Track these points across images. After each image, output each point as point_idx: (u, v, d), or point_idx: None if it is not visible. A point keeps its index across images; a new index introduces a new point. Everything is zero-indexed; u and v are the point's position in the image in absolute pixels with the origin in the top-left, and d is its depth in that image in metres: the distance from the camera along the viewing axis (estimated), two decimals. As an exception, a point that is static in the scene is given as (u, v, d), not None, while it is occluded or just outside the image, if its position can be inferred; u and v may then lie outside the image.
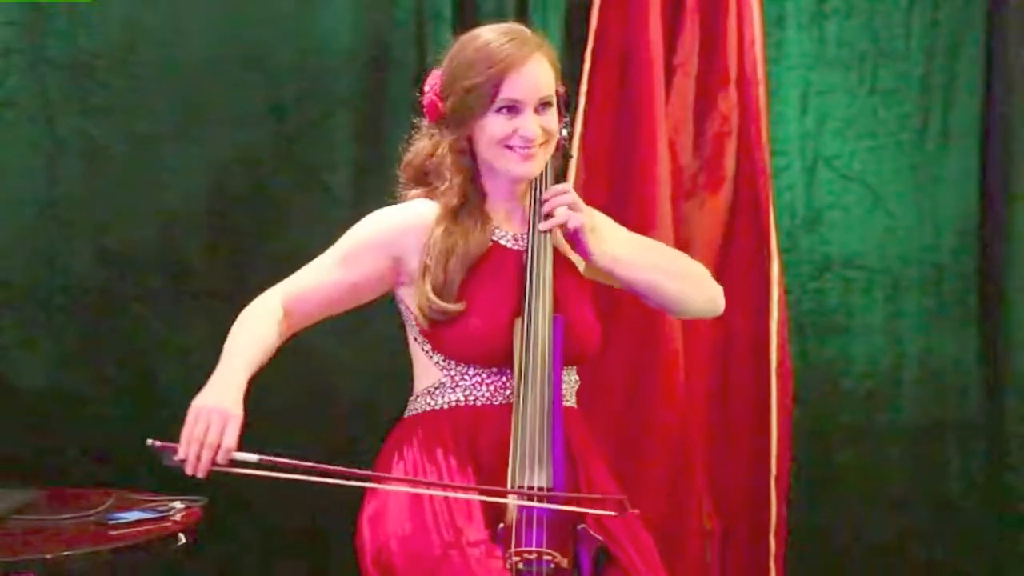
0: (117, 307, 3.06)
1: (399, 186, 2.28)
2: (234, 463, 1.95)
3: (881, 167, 3.34)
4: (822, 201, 3.34)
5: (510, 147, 2.16)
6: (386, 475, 2.13)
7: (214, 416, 1.95)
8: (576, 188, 3.08)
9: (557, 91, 2.27)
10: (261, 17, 3.09)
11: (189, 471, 1.95)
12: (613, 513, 2.03)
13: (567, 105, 2.37)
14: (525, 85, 2.14)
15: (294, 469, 1.97)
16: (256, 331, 2.12)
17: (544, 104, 2.17)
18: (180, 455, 1.94)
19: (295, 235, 3.10)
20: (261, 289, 3.04)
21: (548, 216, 2.20)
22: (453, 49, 2.21)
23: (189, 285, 3.10)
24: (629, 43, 3.14)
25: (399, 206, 2.24)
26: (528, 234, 2.21)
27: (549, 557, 2.00)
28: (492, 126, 2.16)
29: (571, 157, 2.42)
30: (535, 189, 2.23)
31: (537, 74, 2.15)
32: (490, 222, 2.21)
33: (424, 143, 2.25)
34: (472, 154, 2.21)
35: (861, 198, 3.34)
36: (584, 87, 3.14)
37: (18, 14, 2.99)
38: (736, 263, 3.20)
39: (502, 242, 2.22)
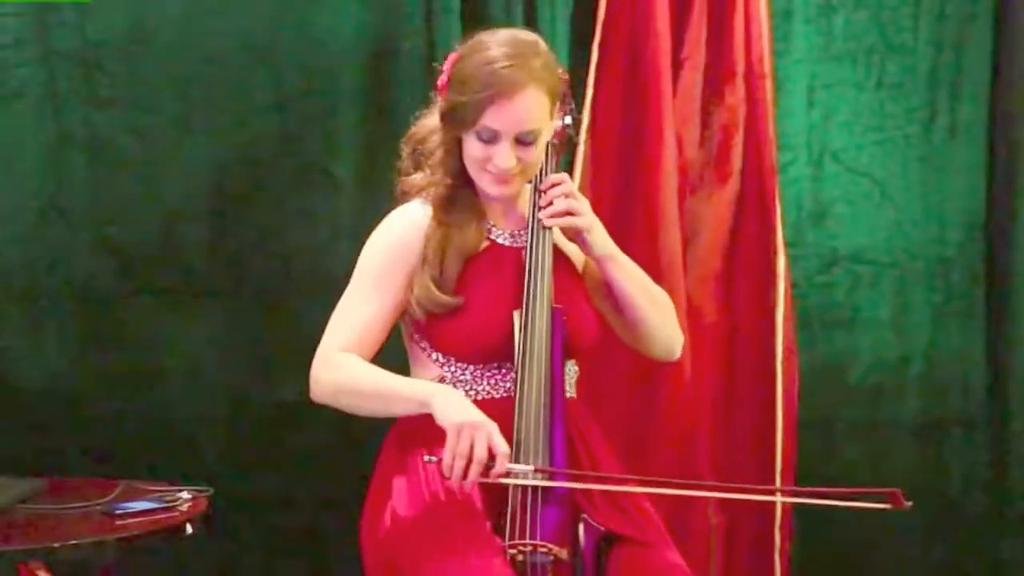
0: (120, 302, 3.06)
1: (400, 160, 2.28)
2: (509, 474, 2.00)
3: (888, 161, 3.34)
4: (829, 195, 3.33)
5: (485, 169, 2.16)
6: (657, 479, 2.13)
7: (478, 432, 1.99)
8: (584, 181, 3.11)
9: (561, 77, 2.26)
10: (267, 10, 3.08)
11: (455, 485, 2.01)
12: (888, 507, 1.98)
13: (571, 91, 2.38)
14: (506, 118, 2.12)
15: (567, 479, 2.05)
16: (375, 368, 2.14)
17: (525, 138, 2.14)
18: (445, 472, 1.99)
19: (300, 229, 3.11)
20: (264, 284, 3.10)
21: (548, 206, 2.20)
22: (464, 48, 2.19)
23: (192, 280, 3.10)
24: (636, 36, 3.13)
25: (398, 218, 2.22)
26: (528, 226, 2.22)
27: (545, 549, 2.02)
28: (471, 147, 2.16)
29: (576, 144, 2.41)
30: (535, 180, 2.24)
31: (523, 108, 2.12)
32: (484, 218, 2.22)
33: (430, 120, 2.25)
34: (459, 156, 2.21)
35: (868, 192, 3.34)
36: (591, 80, 3.14)
37: (27, 6, 2.99)
38: (742, 257, 3.20)
39: (499, 240, 2.23)
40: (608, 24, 3.15)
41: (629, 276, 2.26)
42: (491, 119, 2.12)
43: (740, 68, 3.16)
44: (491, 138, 2.13)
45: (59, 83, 3.01)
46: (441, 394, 2.05)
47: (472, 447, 1.97)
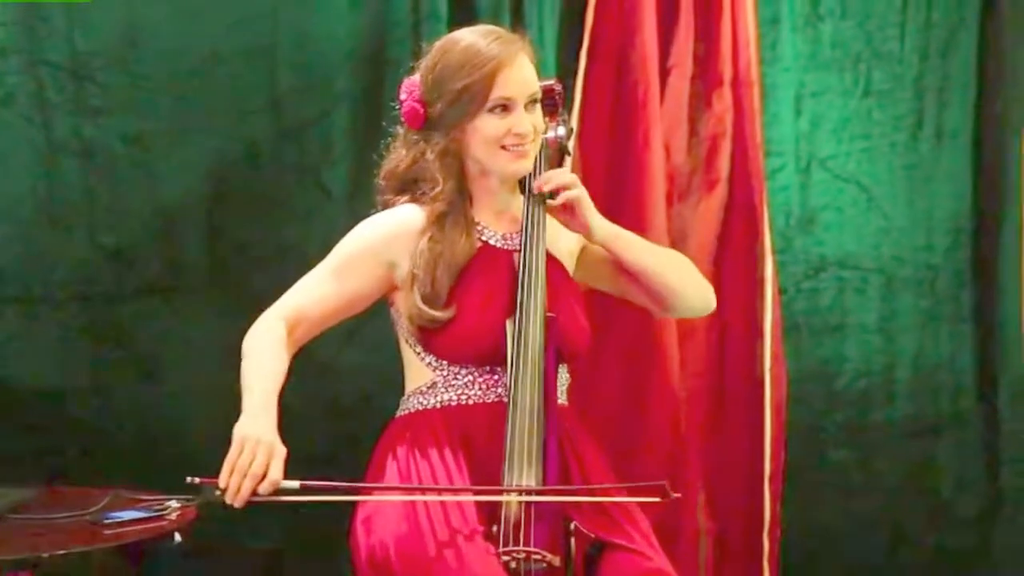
0: (114, 305, 3.07)
1: (380, 196, 2.28)
2: (277, 491, 1.95)
3: (875, 168, 3.36)
4: (816, 202, 3.35)
5: (503, 146, 2.17)
6: (436, 487, 2.09)
7: (260, 447, 1.95)
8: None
9: (554, 87, 2.33)
10: (259, 15, 3.09)
11: (228, 500, 1.95)
12: (656, 499, 2.01)
13: (564, 101, 2.40)
14: (517, 83, 2.16)
15: (335, 491, 2.01)
16: (271, 362, 2.12)
17: (532, 102, 2.19)
18: (222, 484, 1.94)
19: (292, 232, 3.12)
20: (258, 286, 3.10)
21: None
22: (434, 54, 2.22)
23: (187, 283, 3.10)
24: (624, 43, 3.15)
25: (387, 213, 2.25)
26: (521, 232, 2.22)
27: (539, 556, 2.02)
28: (486, 127, 2.17)
29: (569, 154, 2.42)
30: (528, 186, 2.25)
31: (525, 72, 2.18)
32: (475, 227, 2.22)
33: (405, 151, 2.25)
34: (460, 156, 2.22)
35: (855, 198, 3.36)
36: (579, 87, 3.15)
37: (16, 14, 2.99)
38: (730, 263, 3.21)
39: (491, 242, 2.24)
40: (596, 32, 3.16)
41: (639, 250, 2.28)
42: (503, 88, 2.15)
43: (727, 76, 3.17)
44: (505, 108, 2.16)
45: (48, 91, 3.01)
46: (252, 407, 2.03)
47: (251, 463, 1.94)
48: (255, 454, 1.95)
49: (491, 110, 2.16)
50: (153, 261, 3.09)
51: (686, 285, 2.31)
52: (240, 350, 3.02)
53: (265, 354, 2.13)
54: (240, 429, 1.99)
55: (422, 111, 2.21)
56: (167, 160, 3.08)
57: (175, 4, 3.06)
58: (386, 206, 2.28)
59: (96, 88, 3.03)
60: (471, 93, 2.15)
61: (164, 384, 3.10)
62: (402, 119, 2.25)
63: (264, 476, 1.94)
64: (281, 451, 1.97)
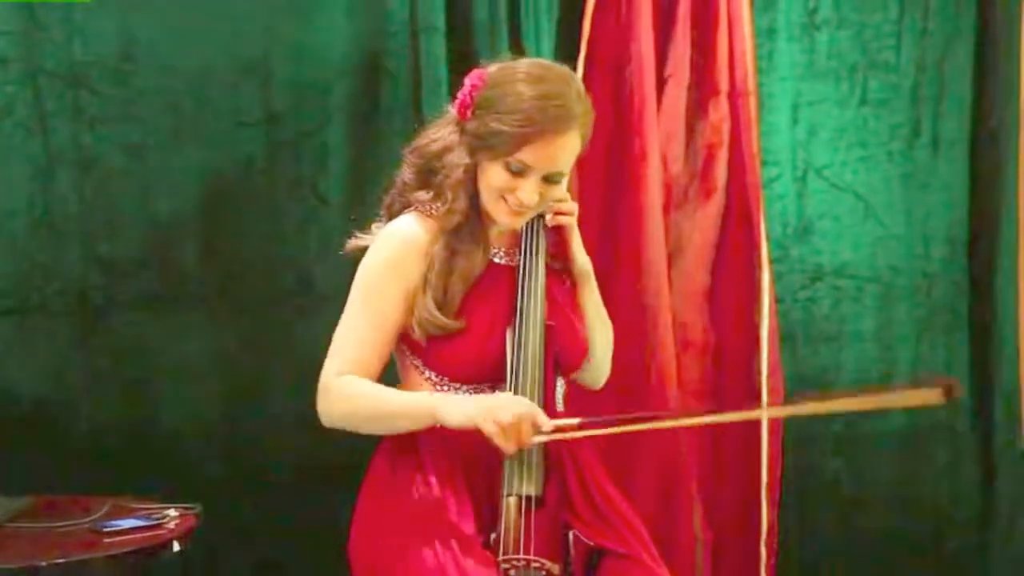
0: (112, 315, 3.07)
1: (402, 173, 2.25)
2: (557, 429, 2.07)
3: (872, 177, 3.37)
4: (813, 211, 3.36)
5: (504, 198, 2.16)
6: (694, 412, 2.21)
7: (500, 412, 2.04)
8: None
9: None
10: (256, 27, 3.09)
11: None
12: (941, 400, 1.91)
13: None
14: (544, 157, 2.12)
15: (612, 424, 2.12)
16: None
17: (554, 177, 2.15)
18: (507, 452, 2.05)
19: (289, 242, 3.12)
20: (254, 297, 3.11)
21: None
22: (503, 71, 2.17)
23: (183, 293, 3.10)
24: (621, 53, 3.15)
25: (389, 234, 2.21)
26: (521, 239, 2.23)
27: (538, 564, 2.03)
28: (496, 175, 2.15)
29: None
30: None
31: (561, 150, 2.13)
32: (490, 244, 2.22)
33: (442, 134, 2.21)
34: (475, 177, 2.19)
35: (852, 208, 3.37)
36: (576, 96, 3.15)
37: (13, 24, 2.99)
38: (727, 272, 3.22)
39: (495, 259, 2.24)
40: (593, 41, 3.16)
41: (596, 301, 2.32)
42: (528, 155, 2.11)
43: (724, 86, 3.18)
44: (520, 171, 2.13)
45: (46, 102, 3.01)
46: (442, 403, 2.09)
47: (507, 424, 2.01)
48: (495, 419, 2.04)
49: (507, 165, 2.13)
50: (149, 272, 3.08)
51: (604, 354, 2.37)
52: (230, 356, 3.07)
53: (361, 392, 2.13)
54: (465, 418, 2.06)
55: (467, 113, 2.18)
56: (163, 170, 3.08)
57: (172, 15, 3.06)
58: (403, 185, 2.24)
59: (94, 97, 3.03)
60: (499, 140, 2.11)
61: (159, 395, 3.09)
62: (454, 101, 2.22)
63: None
64: (505, 398, 2.09)
